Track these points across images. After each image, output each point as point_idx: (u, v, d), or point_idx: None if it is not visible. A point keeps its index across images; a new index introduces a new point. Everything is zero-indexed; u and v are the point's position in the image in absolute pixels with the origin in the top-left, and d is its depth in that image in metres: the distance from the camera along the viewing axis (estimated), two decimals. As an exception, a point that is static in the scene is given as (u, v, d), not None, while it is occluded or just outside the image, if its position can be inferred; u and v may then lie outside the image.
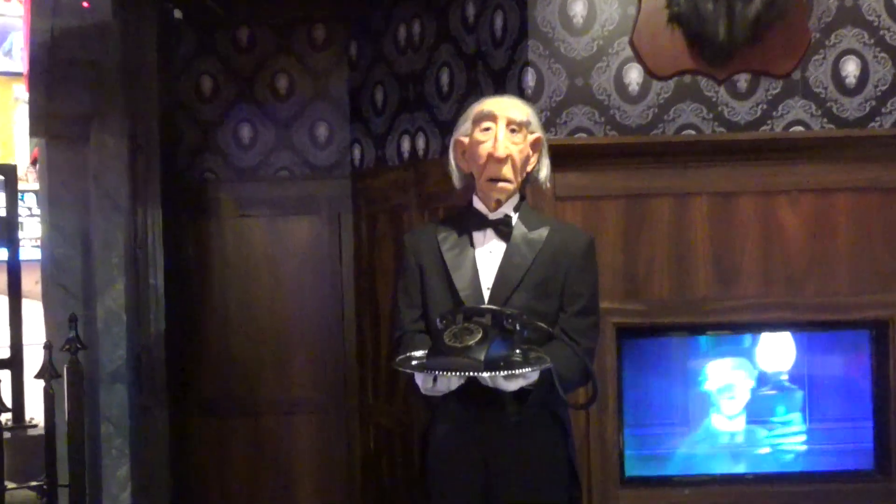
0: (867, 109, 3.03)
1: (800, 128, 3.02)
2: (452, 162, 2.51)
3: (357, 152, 4.08)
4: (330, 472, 4.14)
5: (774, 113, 3.02)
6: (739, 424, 3.10)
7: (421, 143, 3.68)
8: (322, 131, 4.17)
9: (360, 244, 4.06)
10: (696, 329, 3.03)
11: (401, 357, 2.32)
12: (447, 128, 3.56)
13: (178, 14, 3.96)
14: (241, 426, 4.14)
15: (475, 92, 3.35)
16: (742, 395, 3.10)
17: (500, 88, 3.16)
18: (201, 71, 4.15)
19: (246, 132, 4.18)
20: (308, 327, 4.18)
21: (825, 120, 3.02)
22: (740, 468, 3.06)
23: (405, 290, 2.54)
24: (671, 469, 3.04)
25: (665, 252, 3.00)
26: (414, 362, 2.28)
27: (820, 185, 3.00)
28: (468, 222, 2.49)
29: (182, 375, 4.02)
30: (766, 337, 3.11)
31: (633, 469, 3.01)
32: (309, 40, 4.14)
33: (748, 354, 3.12)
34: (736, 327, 3.02)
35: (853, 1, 3.01)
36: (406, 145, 3.76)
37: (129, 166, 3.62)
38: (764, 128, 3.02)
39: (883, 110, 3.03)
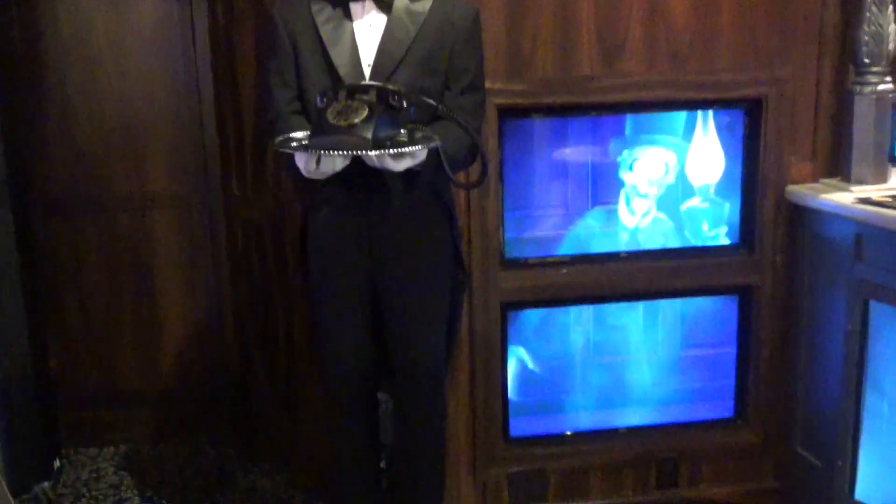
0: None
1: None
2: None
3: (210, -81, 3.70)
4: (195, 270, 4.00)
5: None
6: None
7: None
8: None
9: (217, 24, 3.74)
10: (580, 109, 2.97)
11: (279, 138, 2.21)
12: None
13: None
14: (94, 225, 3.90)
15: None
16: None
17: None
18: None
19: None
20: (161, 116, 3.89)
21: None
22: (613, 247, 3.12)
23: (277, 70, 2.40)
24: (551, 250, 3.07)
25: (549, 28, 2.87)
26: (294, 144, 2.19)
27: (707, -45, 2.92)
28: None
29: (23, 174, 3.75)
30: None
31: (513, 251, 3.02)
32: None
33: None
34: (619, 107, 2.98)
35: None
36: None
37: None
38: None
39: None
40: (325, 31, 2.33)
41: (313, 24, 2.35)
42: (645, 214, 3.12)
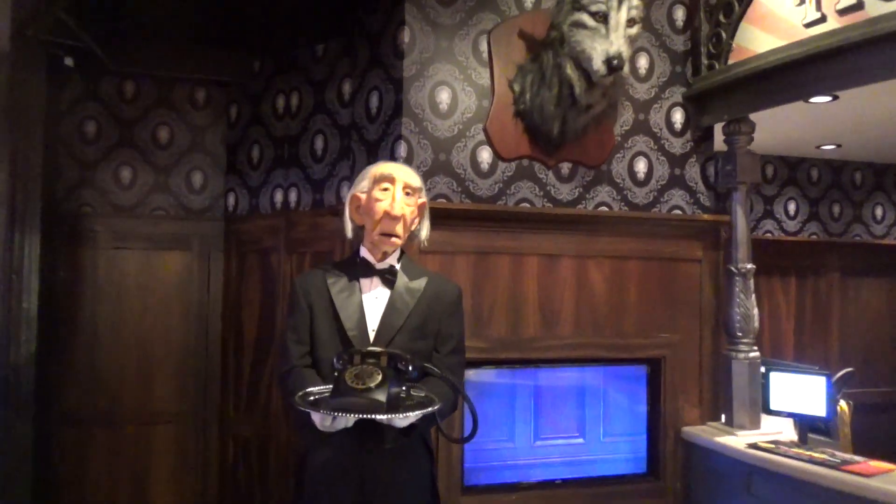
0: (651, 198, 2.90)
1: (605, 208, 2.84)
2: (347, 214, 2.09)
3: (231, 199, 3.45)
4: (186, 479, 3.41)
5: (587, 195, 2.82)
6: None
7: (293, 196, 3.15)
8: (197, 179, 3.51)
9: (230, 278, 3.43)
10: (528, 363, 2.73)
11: (300, 394, 1.86)
12: (318, 185, 3.08)
13: (68, 61, 3.17)
14: (103, 436, 3.32)
15: (348, 157, 2.92)
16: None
17: (372, 157, 2.74)
18: (86, 115, 3.38)
19: (126, 173, 3.43)
20: (173, 348, 3.46)
21: (622, 203, 2.87)
22: (550, 475, 2.76)
23: (294, 328, 2.07)
24: (501, 478, 2.70)
25: (503, 300, 2.68)
26: (311, 398, 1.85)
27: (617, 252, 2.82)
28: (356, 270, 2.08)
29: (49, 389, 3.17)
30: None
31: (470, 479, 2.65)
32: (190, 100, 3.49)
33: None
34: (556, 361, 2.76)
35: (644, 116, 2.90)
36: (279, 197, 3.21)
37: (8, 196, 2.81)
38: (580, 206, 2.81)
39: (662, 199, 2.92)
40: (338, 300, 2.05)
41: (328, 292, 2.07)
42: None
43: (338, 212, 2.15)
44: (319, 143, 3.05)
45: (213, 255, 3.49)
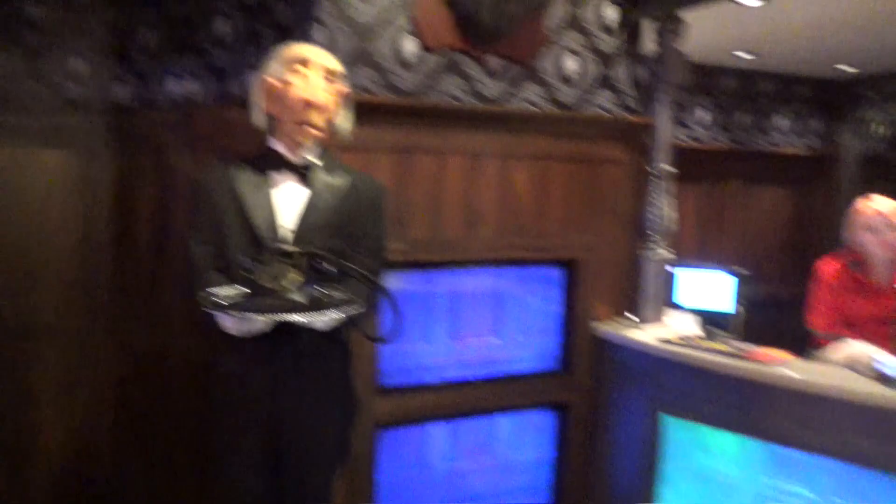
0: (578, 98, 2.86)
1: (531, 106, 2.78)
2: (254, 99, 1.92)
3: (120, 90, 3.11)
4: (76, 398, 3.17)
5: (514, 92, 2.74)
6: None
7: (192, 86, 2.87)
8: (78, 65, 3.12)
9: (121, 179, 3.15)
10: (448, 264, 2.69)
11: (210, 297, 1.74)
12: (222, 74, 2.81)
13: None
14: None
15: (255, 42, 2.66)
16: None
17: (285, 41, 2.52)
18: (-65, -16, 2.91)
19: (-11, 56, 3.01)
20: (57, 256, 3.15)
21: (549, 102, 2.80)
22: (466, 374, 2.78)
23: (199, 228, 1.93)
24: (417, 378, 2.69)
25: (425, 200, 2.60)
26: (224, 301, 1.71)
27: (542, 153, 2.78)
28: (267, 164, 1.94)
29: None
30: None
31: (385, 380, 2.62)
32: (69, -25, 3.07)
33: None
34: (478, 262, 2.74)
35: (575, 11, 2.80)
36: (176, 88, 2.93)
37: None
38: (506, 104, 2.73)
39: (590, 99, 2.88)
40: (245, 195, 1.90)
41: (235, 189, 1.91)
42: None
43: (246, 104, 1.97)
44: (221, 26, 2.77)
45: (97, 153, 3.17)
